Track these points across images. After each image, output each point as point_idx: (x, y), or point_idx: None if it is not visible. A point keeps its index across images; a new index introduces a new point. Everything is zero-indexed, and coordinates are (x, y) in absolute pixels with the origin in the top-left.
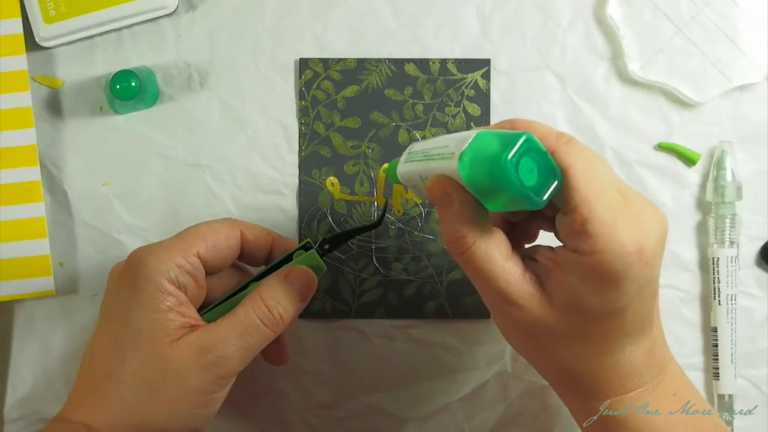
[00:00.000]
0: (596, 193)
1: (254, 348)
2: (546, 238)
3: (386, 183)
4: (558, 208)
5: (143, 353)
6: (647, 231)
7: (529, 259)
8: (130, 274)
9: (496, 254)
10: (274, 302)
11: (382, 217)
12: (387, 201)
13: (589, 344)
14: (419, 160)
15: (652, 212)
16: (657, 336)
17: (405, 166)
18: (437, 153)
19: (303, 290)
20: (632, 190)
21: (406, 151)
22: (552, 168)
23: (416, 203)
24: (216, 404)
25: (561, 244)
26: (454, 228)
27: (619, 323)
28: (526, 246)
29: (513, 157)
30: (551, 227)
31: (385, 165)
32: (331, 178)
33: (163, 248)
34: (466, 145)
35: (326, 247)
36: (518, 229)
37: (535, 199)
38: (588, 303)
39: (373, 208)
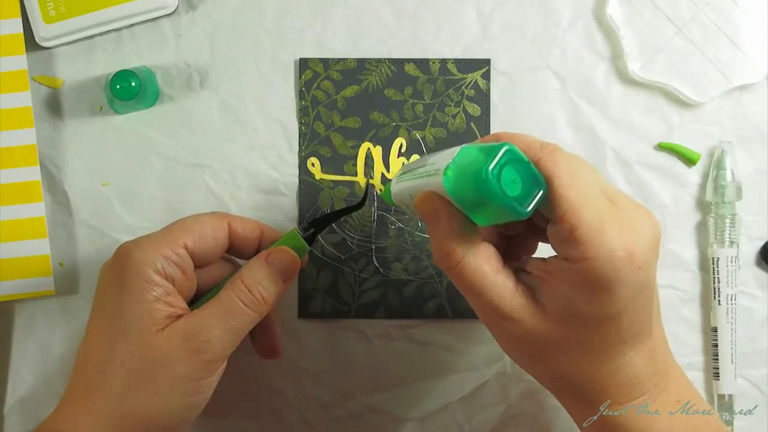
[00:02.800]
0: (583, 199)
1: (239, 330)
2: (546, 251)
3: (366, 162)
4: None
5: (131, 344)
6: (637, 235)
7: (521, 271)
8: (118, 267)
9: (486, 268)
10: (254, 283)
11: (364, 198)
12: (368, 181)
13: (586, 352)
14: (408, 179)
15: (643, 216)
16: (658, 342)
17: (396, 187)
18: (424, 170)
19: (284, 270)
20: (622, 195)
21: (398, 172)
22: (535, 177)
23: None
24: (206, 392)
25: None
26: (443, 243)
27: (615, 330)
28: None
29: (494, 168)
30: (548, 240)
31: (368, 144)
32: (312, 158)
33: (149, 240)
34: (450, 159)
35: (311, 231)
36: (516, 243)
37: (520, 210)
38: (582, 310)
39: (373, 208)
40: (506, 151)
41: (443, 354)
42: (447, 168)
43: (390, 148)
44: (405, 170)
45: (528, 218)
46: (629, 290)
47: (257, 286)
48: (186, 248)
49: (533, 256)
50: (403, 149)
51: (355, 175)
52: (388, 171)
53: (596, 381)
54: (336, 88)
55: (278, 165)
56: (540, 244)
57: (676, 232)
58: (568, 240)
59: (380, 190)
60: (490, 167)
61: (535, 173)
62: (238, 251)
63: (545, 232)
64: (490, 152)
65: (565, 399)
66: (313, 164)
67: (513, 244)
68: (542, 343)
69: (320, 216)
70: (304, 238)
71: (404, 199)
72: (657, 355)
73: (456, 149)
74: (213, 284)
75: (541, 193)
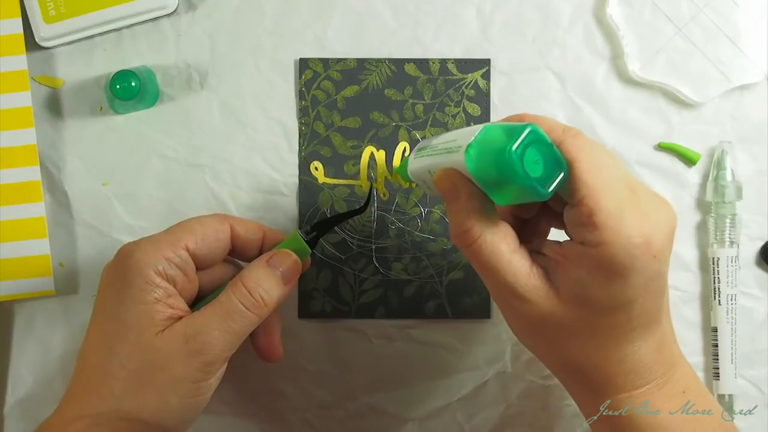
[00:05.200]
0: (603, 185)
1: (238, 332)
2: (557, 237)
3: (370, 165)
4: (566, 202)
5: (131, 345)
6: (655, 224)
7: (536, 253)
8: (119, 268)
9: (502, 247)
10: (254, 285)
11: (367, 202)
12: (371, 185)
13: (596, 338)
14: (428, 155)
15: (661, 206)
16: (666, 332)
17: (414, 163)
18: (445, 147)
19: (286, 273)
20: (641, 184)
21: (416, 148)
22: (558, 160)
23: (416, 203)
24: (205, 393)
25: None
26: (461, 220)
27: (626, 317)
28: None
29: (518, 148)
30: (561, 225)
31: (371, 148)
32: (315, 162)
33: (151, 242)
34: (473, 137)
35: (314, 234)
36: (528, 227)
37: (541, 191)
38: (595, 296)
39: (373, 208)
40: (530, 132)
41: (443, 354)
42: (469, 146)
43: (393, 152)
44: (423, 146)
45: (544, 201)
46: (643, 278)
47: (258, 289)
48: (188, 250)
49: (547, 239)
50: (407, 153)
51: (357, 177)
52: (391, 175)
53: (603, 367)
54: (336, 88)
55: (278, 165)
56: (551, 229)
57: (677, 232)
58: (586, 224)
59: (384, 193)
60: (514, 147)
61: (557, 155)
62: (240, 253)
63: (559, 216)
64: (514, 132)
65: (571, 385)
66: (316, 168)
67: (525, 227)
68: (553, 326)
69: (323, 219)
70: (306, 241)
71: (422, 176)
72: (665, 345)
73: (478, 127)
74: (215, 286)
75: (562, 175)
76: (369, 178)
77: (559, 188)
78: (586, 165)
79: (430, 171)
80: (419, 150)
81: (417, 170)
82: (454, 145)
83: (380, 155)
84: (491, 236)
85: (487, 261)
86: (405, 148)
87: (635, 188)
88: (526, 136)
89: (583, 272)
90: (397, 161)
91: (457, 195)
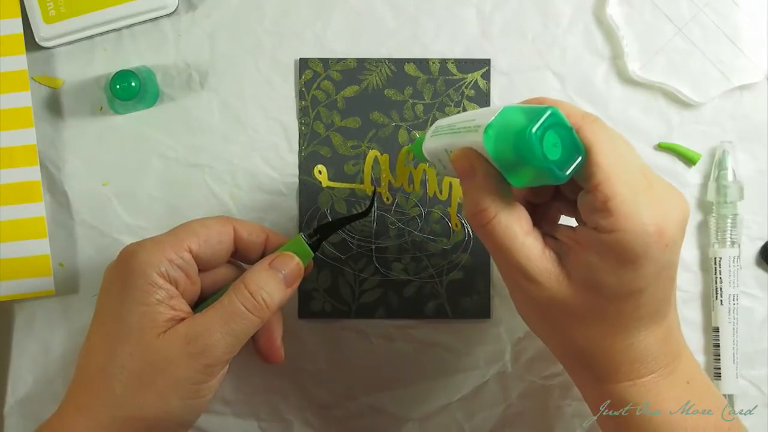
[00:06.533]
0: (619, 172)
1: (240, 335)
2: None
3: (373, 169)
4: (580, 189)
5: (132, 346)
6: (668, 214)
7: (549, 236)
8: (122, 268)
9: (516, 229)
10: (257, 287)
11: (371, 206)
12: (375, 189)
13: (603, 325)
14: (445, 134)
15: (675, 196)
16: (673, 323)
17: (431, 141)
18: (463, 126)
19: (288, 276)
20: (655, 174)
21: (433, 126)
22: (576, 144)
23: (416, 203)
24: (206, 395)
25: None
26: (477, 200)
27: (634, 305)
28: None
29: (538, 130)
30: (572, 211)
31: (375, 152)
32: (319, 166)
33: (153, 243)
34: (492, 118)
35: (316, 237)
36: (539, 211)
37: (558, 174)
38: (605, 282)
39: (373, 208)
40: (550, 115)
41: (443, 354)
42: (488, 126)
43: (396, 156)
44: (440, 125)
45: (556, 187)
46: (654, 267)
47: (260, 291)
48: (191, 252)
49: (559, 223)
50: (410, 157)
51: (360, 180)
52: (395, 179)
53: (609, 354)
54: (336, 88)
55: (278, 165)
56: (561, 216)
57: None
58: (601, 210)
59: (387, 197)
60: (534, 129)
61: (576, 139)
62: (242, 256)
63: (570, 202)
64: (535, 114)
65: (576, 372)
66: (320, 171)
67: (536, 212)
68: (561, 309)
69: (326, 223)
70: (309, 244)
71: (438, 154)
72: (671, 335)
73: (497, 108)
74: (217, 288)
75: (580, 159)
76: (373, 182)
77: (575, 173)
78: (604, 151)
79: (447, 150)
80: (436, 128)
81: (433, 149)
82: (472, 125)
83: (384, 159)
84: (506, 217)
85: (501, 242)
86: (409, 152)
87: (650, 177)
88: (547, 118)
89: (595, 258)
90: (401, 165)
91: (474, 174)
